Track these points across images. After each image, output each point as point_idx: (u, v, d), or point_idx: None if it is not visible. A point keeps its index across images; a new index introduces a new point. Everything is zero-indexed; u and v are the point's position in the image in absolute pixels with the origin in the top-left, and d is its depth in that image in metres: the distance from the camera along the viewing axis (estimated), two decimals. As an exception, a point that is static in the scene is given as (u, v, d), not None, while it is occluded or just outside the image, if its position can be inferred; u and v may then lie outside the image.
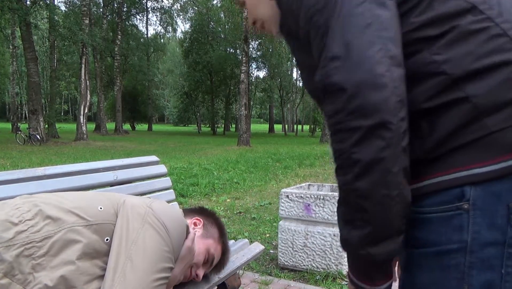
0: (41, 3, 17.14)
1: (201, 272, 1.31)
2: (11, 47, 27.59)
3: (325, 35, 0.63)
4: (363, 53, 0.58)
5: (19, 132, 16.26)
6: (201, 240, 1.30)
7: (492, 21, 0.61)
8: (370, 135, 0.58)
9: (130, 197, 1.17)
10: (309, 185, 2.97)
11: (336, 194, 2.48)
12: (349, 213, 0.63)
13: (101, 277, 1.00)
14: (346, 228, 0.65)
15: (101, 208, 1.08)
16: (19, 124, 18.56)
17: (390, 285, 0.68)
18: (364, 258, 0.64)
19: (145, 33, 38.22)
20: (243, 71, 17.36)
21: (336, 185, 0.72)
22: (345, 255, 0.72)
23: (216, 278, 1.45)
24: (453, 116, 0.61)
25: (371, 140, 0.58)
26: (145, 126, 42.27)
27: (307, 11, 0.66)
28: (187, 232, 1.18)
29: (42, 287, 0.92)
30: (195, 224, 1.35)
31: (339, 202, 0.66)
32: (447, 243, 0.62)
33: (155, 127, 46.98)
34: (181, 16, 37.62)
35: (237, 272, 1.68)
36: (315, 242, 2.59)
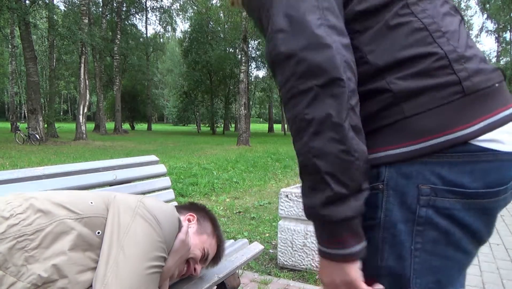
0: (40, 2, 17.11)
1: (199, 267, 1.33)
2: (10, 46, 27.52)
3: (269, 11, 0.66)
4: (304, 21, 0.62)
5: (18, 132, 16.22)
6: (197, 236, 1.32)
7: (414, 16, 0.66)
8: (321, 95, 0.60)
9: (121, 193, 1.19)
10: (308, 184, 2.97)
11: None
12: (309, 179, 0.63)
13: (94, 269, 1.02)
14: (309, 195, 0.63)
15: (91, 203, 1.10)
16: (18, 123, 18.53)
17: (364, 247, 0.64)
18: (331, 221, 0.62)
19: (145, 32, 38.12)
20: (242, 70, 17.36)
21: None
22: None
23: (216, 278, 1.45)
24: (374, 102, 0.66)
25: (322, 99, 0.60)
26: (144, 126, 42.23)
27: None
28: (180, 226, 1.20)
29: (36, 278, 0.94)
30: (189, 220, 1.36)
31: (300, 173, 0.65)
32: (367, 220, 0.66)
33: (155, 127, 46.95)
34: (181, 16, 37.65)
35: (237, 271, 1.68)
36: (314, 242, 2.59)
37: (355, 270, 0.64)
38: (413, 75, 0.64)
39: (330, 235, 0.63)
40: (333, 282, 0.66)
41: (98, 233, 1.06)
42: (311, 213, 0.64)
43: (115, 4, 27.59)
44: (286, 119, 0.65)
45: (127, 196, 1.16)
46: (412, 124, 0.63)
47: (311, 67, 0.60)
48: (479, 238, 0.67)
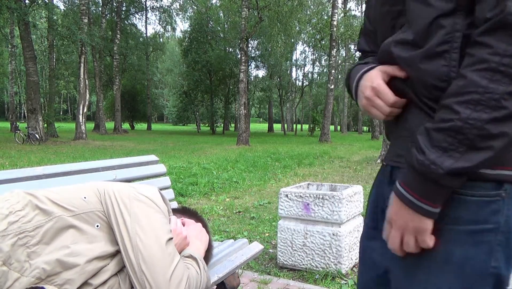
0: (39, 2, 17.08)
1: None
2: (9, 46, 27.49)
3: None
4: None
5: (18, 131, 16.21)
6: (194, 229, 1.37)
7: None
8: None
9: (110, 184, 1.22)
10: (308, 184, 2.97)
11: (336, 193, 2.48)
12: (453, 144, 0.63)
13: (99, 258, 1.05)
14: (438, 153, 0.64)
15: (85, 198, 1.13)
16: (18, 123, 18.48)
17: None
18: (444, 185, 0.65)
19: (144, 32, 38.09)
20: (242, 70, 17.35)
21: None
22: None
23: (216, 277, 1.45)
24: None
25: None
26: (144, 126, 42.22)
27: None
28: (166, 202, 1.26)
29: (40, 271, 0.96)
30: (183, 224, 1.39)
31: (439, 128, 0.64)
32: (484, 223, 0.69)
33: (154, 126, 46.94)
34: (180, 15, 37.68)
35: (236, 271, 1.68)
36: (314, 241, 2.59)
37: (430, 223, 0.69)
38: None
39: (430, 194, 0.66)
40: (405, 226, 0.71)
41: (97, 226, 1.09)
42: (429, 170, 0.64)
43: (114, 4, 27.55)
44: (472, 76, 0.61)
45: (118, 186, 1.20)
46: None
47: None
48: None
